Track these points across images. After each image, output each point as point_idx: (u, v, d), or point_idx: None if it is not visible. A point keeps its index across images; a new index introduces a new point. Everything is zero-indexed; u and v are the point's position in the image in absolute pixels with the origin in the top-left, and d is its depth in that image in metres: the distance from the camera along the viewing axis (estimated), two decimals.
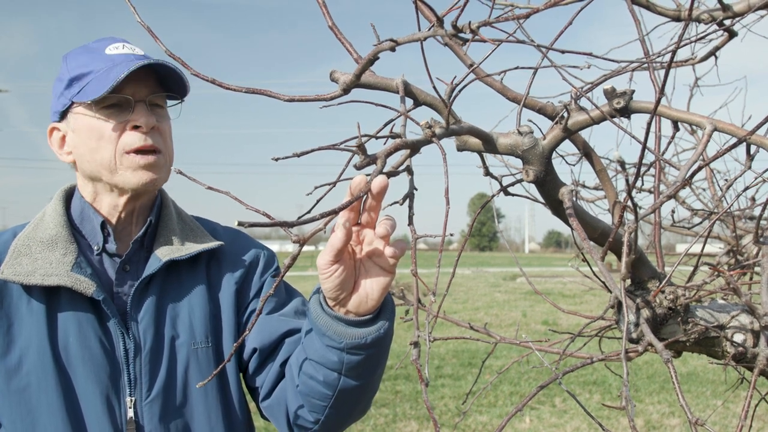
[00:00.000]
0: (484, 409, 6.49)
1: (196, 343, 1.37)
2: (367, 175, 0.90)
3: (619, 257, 0.93)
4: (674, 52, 0.76)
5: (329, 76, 0.85)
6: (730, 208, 1.60)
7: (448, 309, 13.92)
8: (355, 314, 1.12)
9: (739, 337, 1.01)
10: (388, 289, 1.10)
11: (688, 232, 1.87)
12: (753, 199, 1.70)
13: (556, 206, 0.99)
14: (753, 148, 1.51)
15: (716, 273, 0.98)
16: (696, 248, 1.33)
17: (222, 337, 1.41)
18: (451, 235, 0.83)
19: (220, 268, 1.45)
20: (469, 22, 0.87)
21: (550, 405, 6.67)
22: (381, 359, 1.22)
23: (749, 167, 1.53)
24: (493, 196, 1.18)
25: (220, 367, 0.90)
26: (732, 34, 1.16)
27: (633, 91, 0.88)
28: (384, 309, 1.15)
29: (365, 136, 0.84)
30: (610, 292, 0.96)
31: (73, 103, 1.32)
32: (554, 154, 0.96)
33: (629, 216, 0.88)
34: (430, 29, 0.73)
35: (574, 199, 0.97)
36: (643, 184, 1.80)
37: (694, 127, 1.83)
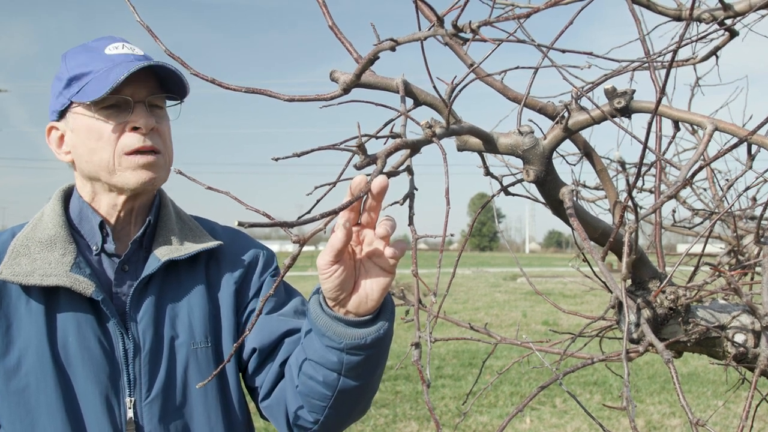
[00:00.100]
0: (485, 410, 6.49)
1: (195, 343, 1.36)
2: (368, 175, 0.90)
3: (620, 257, 0.93)
4: (675, 52, 0.76)
5: (329, 76, 0.85)
6: (731, 208, 1.60)
7: (449, 309, 13.92)
8: (354, 315, 1.12)
9: (740, 338, 1.01)
10: (388, 289, 1.10)
11: (688, 232, 1.86)
12: (754, 199, 1.70)
13: (556, 206, 0.99)
14: (754, 148, 1.51)
15: (717, 273, 0.98)
16: (697, 248, 1.33)
17: (221, 337, 1.41)
18: (452, 235, 0.83)
19: (219, 267, 1.45)
20: (470, 22, 0.86)
21: (551, 405, 6.67)
22: (381, 360, 1.22)
23: (750, 167, 1.53)
24: (494, 196, 1.17)
25: (220, 367, 0.90)
26: (733, 34, 1.16)
27: (634, 91, 0.88)
28: (384, 309, 1.15)
29: (365, 135, 0.84)
30: (611, 292, 0.95)
31: (72, 102, 1.32)
32: (555, 154, 0.96)
33: (630, 216, 0.87)
34: (430, 29, 0.73)
35: (575, 199, 0.96)
36: (643, 184, 1.79)
37: (695, 127, 1.83)
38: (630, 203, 0.84)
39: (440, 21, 0.75)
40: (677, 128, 1.17)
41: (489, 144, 0.94)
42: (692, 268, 1.21)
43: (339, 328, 1.13)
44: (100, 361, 1.28)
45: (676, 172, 1.69)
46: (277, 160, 0.87)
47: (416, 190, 0.87)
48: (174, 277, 1.39)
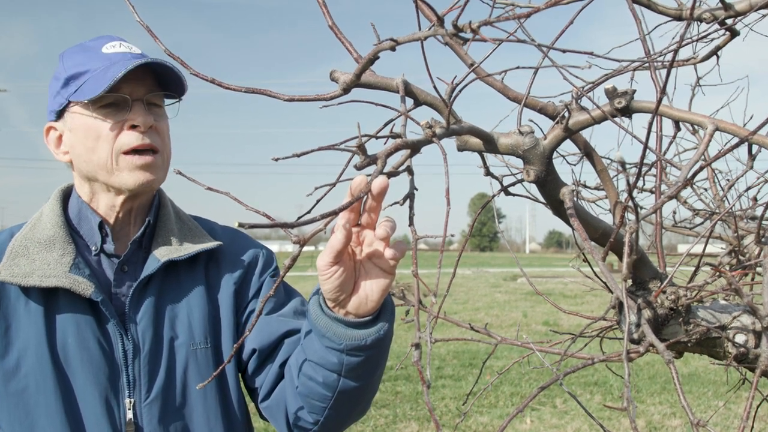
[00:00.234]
0: (485, 410, 6.49)
1: (195, 344, 1.36)
2: (368, 175, 0.90)
3: (621, 257, 0.92)
4: (676, 52, 0.76)
5: (329, 76, 0.85)
6: (731, 208, 1.60)
7: (449, 309, 13.92)
8: (354, 315, 1.11)
9: (740, 338, 1.01)
10: (388, 290, 1.09)
11: (689, 232, 1.86)
12: (755, 199, 1.70)
13: (557, 206, 0.99)
14: (755, 148, 1.51)
15: (718, 273, 0.98)
16: (697, 248, 1.33)
17: (221, 337, 1.40)
18: (452, 235, 0.83)
19: (218, 268, 1.45)
20: (470, 22, 0.86)
21: (551, 406, 6.67)
22: (381, 360, 1.21)
23: (751, 167, 1.52)
24: (494, 196, 1.17)
25: (221, 368, 0.90)
26: (734, 34, 1.16)
27: (634, 91, 0.88)
28: (384, 310, 1.14)
29: (365, 136, 0.84)
30: (612, 292, 0.95)
31: (69, 102, 1.31)
32: (555, 154, 0.96)
33: (630, 216, 0.87)
34: (430, 29, 0.73)
35: (575, 199, 0.96)
36: (644, 184, 1.79)
37: (696, 127, 1.83)
38: (630, 203, 0.84)
39: (440, 21, 0.75)
40: (678, 128, 1.17)
41: (489, 144, 0.93)
42: (693, 269, 1.21)
43: (339, 329, 1.12)
44: (100, 362, 1.28)
45: (677, 172, 1.69)
46: (277, 160, 0.87)
47: (416, 190, 0.87)
48: (173, 278, 1.39)
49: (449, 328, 10.31)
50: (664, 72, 0.81)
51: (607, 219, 1.11)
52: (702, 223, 1.82)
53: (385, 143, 0.85)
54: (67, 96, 1.31)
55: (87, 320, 1.29)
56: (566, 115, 0.92)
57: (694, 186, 1.79)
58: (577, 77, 1.06)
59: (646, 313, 0.97)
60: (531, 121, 0.95)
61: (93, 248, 1.36)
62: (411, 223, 0.84)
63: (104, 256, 1.37)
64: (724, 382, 7.43)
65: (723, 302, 1.09)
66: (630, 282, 1.03)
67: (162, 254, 1.36)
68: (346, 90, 0.83)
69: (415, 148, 0.84)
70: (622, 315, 1.01)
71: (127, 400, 1.29)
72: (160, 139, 1.34)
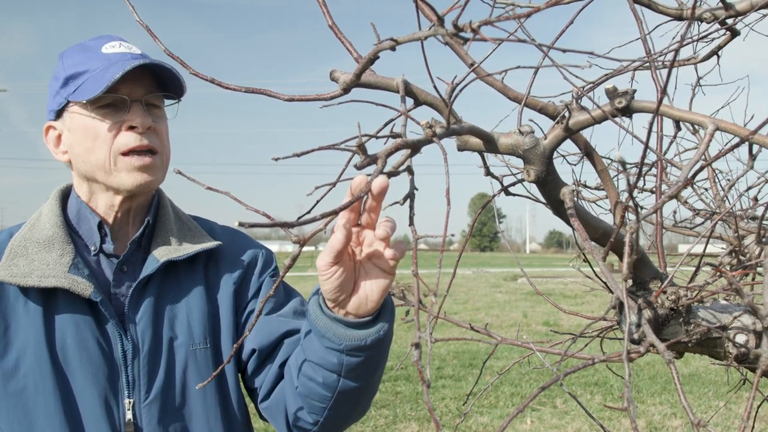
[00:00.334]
0: (485, 410, 6.49)
1: (194, 344, 1.36)
2: (368, 175, 0.90)
3: (621, 257, 0.92)
4: (676, 52, 0.75)
5: (329, 76, 0.85)
6: (732, 208, 1.60)
7: (449, 309, 13.92)
8: (354, 316, 1.11)
9: (741, 338, 1.01)
10: (387, 290, 1.09)
11: (690, 232, 1.86)
12: (755, 199, 1.69)
13: (557, 206, 0.99)
14: (755, 148, 1.51)
15: (718, 273, 0.98)
16: (698, 248, 1.33)
17: (220, 337, 1.40)
18: (452, 235, 0.83)
19: (218, 268, 1.45)
20: (470, 21, 0.86)
21: (552, 406, 6.67)
22: (380, 361, 1.21)
23: (752, 167, 1.52)
24: (494, 196, 1.17)
25: (220, 368, 0.90)
26: (734, 33, 1.15)
27: (635, 91, 0.87)
28: (384, 310, 1.14)
29: (365, 135, 0.84)
30: (612, 292, 0.95)
31: (68, 102, 1.31)
32: (555, 154, 0.96)
33: (631, 216, 0.87)
34: (430, 28, 0.73)
35: (576, 199, 0.96)
36: (644, 184, 1.79)
37: (696, 127, 1.83)
38: (631, 203, 0.84)
39: (440, 20, 0.75)
40: (678, 128, 1.17)
41: (489, 144, 0.93)
42: (693, 269, 1.21)
43: (339, 330, 1.12)
44: (99, 363, 1.28)
45: (677, 172, 1.68)
46: (277, 160, 0.86)
47: (416, 190, 0.87)
48: (173, 278, 1.39)
49: (449, 328, 10.31)
50: (664, 72, 0.81)
51: (608, 219, 1.11)
52: (702, 223, 1.82)
53: (385, 143, 0.85)
54: (66, 96, 1.31)
55: (86, 320, 1.29)
56: (566, 114, 0.92)
57: (694, 186, 1.79)
58: (577, 77, 1.06)
59: (647, 313, 0.97)
60: (531, 120, 0.95)
61: (92, 248, 1.36)
62: (411, 223, 0.84)
63: (103, 256, 1.37)
64: (724, 382, 7.42)
65: (723, 302, 1.09)
66: (630, 282, 1.03)
67: (161, 254, 1.36)
68: (346, 90, 0.83)
69: (415, 147, 0.84)
70: (623, 315, 1.01)
71: (126, 401, 1.29)
72: (158, 140, 1.34)
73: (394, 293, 1.44)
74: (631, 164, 1.66)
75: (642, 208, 1.07)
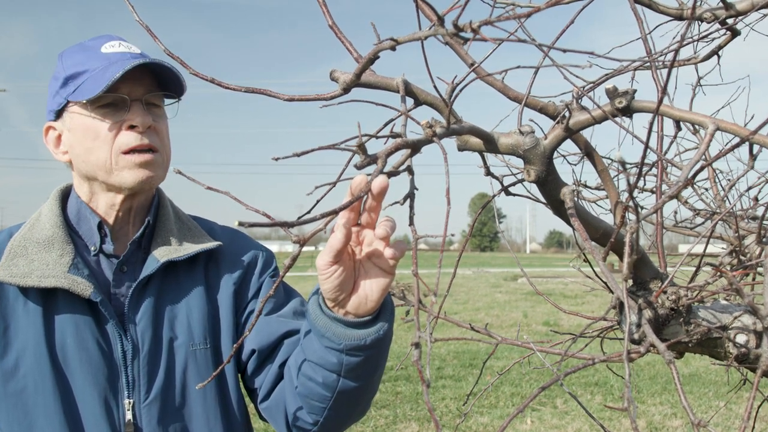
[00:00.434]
0: (485, 411, 6.49)
1: (194, 345, 1.36)
2: (368, 174, 0.90)
3: (621, 257, 0.92)
4: (676, 51, 0.75)
5: (329, 76, 0.85)
6: (732, 208, 1.60)
7: (449, 309, 13.91)
8: (354, 315, 1.11)
9: (741, 338, 1.01)
10: (387, 290, 1.09)
11: (690, 232, 1.86)
12: (756, 199, 1.69)
13: (557, 206, 0.99)
14: (756, 148, 1.51)
15: (719, 273, 0.98)
16: (698, 248, 1.33)
17: (220, 338, 1.40)
18: (452, 235, 0.83)
19: (218, 268, 1.44)
20: (470, 21, 0.86)
21: (552, 406, 6.66)
22: (380, 361, 1.21)
23: (752, 167, 1.52)
24: (494, 196, 1.17)
25: (220, 368, 0.90)
26: (735, 33, 1.15)
27: (635, 91, 0.87)
28: (383, 310, 1.14)
29: (365, 135, 0.84)
30: (612, 292, 0.95)
31: (68, 102, 1.31)
32: (556, 154, 0.96)
33: (631, 216, 0.87)
34: (430, 28, 0.72)
35: (576, 199, 0.96)
36: (645, 184, 1.79)
37: (697, 127, 1.82)
38: (631, 203, 0.84)
39: (441, 20, 0.75)
40: (679, 128, 1.17)
41: (490, 144, 0.93)
42: (694, 269, 1.20)
43: (338, 329, 1.12)
44: (99, 363, 1.28)
45: (678, 172, 1.68)
46: (277, 159, 0.86)
47: (416, 189, 0.87)
48: (173, 278, 1.39)
49: (449, 328, 10.31)
50: (664, 72, 0.81)
51: (608, 219, 1.11)
52: (703, 223, 1.82)
53: (385, 143, 0.85)
54: (66, 96, 1.31)
55: (86, 321, 1.29)
56: (567, 114, 0.92)
57: (694, 186, 1.79)
58: (577, 77, 1.06)
59: (647, 313, 0.97)
60: (531, 120, 0.95)
61: (92, 248, 1.36)
62: (411, 223, 0.84)
63: (103, 256, 1.36)
64: (725, 382, 7.42)
65: (724, 302, 1.09)
66: (631, 282, 1.03)
67: (161, 254, 1.36)
68: (346, 90, 0.83)
69: (415, 147, 0.84)
70: (623, 315, 1.01)
71: (126, 401, 1.29)
72: (159, 139, 1.34)
73: (394, 293, 1.44)
74: (631, 164, 1.66)
75: (642, 208, 1.07)
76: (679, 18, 1.13)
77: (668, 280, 0.99)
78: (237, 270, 1.45)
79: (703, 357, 1.09)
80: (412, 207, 0.85)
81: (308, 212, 0.87)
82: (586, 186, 1.79)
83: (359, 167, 0.79)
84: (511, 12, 0.90)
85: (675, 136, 1.18)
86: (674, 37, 1.33)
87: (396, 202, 0.88)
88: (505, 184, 1.15)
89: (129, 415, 1.28)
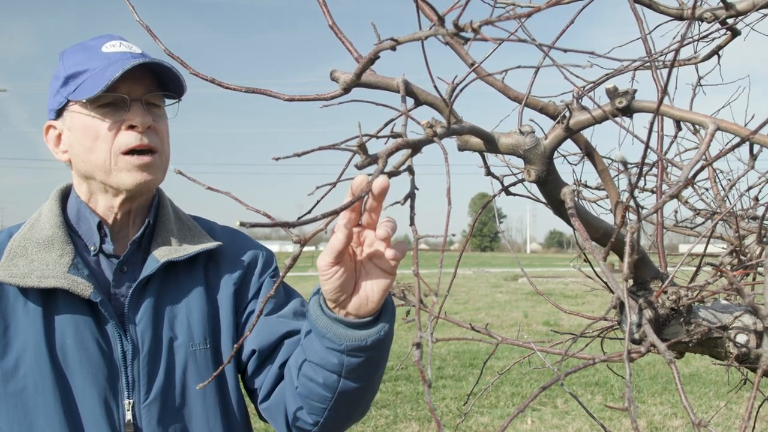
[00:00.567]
0: (486, 410, 6.49)
1: (194, 345, 1.36)
2: (369, 175, 0.90)
3: (622, 257, 0.92)
4: (677, 51, 0.75)
5: (329, 76, 0.85)
6: (733, 208, 1.60)
7: (450, 309, 13.91)
8: (355, 316, 1.11)
9: (742, 338, 1.01)
10: (388, 290, 1.09)
11: (690, 232, 1.86)
12: (756, 198, 1.69)
13: (557, 206, 0.99)
14: (756, 148, 1.51)
15: (719, 273, 0.98)
16: (699, 248, 1.33)
17: (220, 338, 1.40)
18: (453, 235, 0.83)
19: (218, 268, 1.44)
20: (471, 21, 0.86)
21: (552, 406, 6.66)
22: (381, 361, 1.21)
23: (752, 167, 1.52)
24: (495, 196, 1.17)
25: (221, 368, 0.90)
26: (735, 33, 1.15)
27: (635, 91, 0.87)
28: (384, 311, 1.14)
29: (366, 135, 0.84)
30: (612, 292, 0.95)
31: (68, 101, 1.31)
32: (556, 154, 0.96)
33: (631, 216, 0.87)
34: (431, 28, 0.72)
35: (576, 199, 0.96)
36: (645, 184, 1.79)
37: (697, 127, 1.82)
38: (632, 203, 0.84)
39: (441, 20, 0.75)
40: (679, 128, 1.17)
41: (490, 144, 0.93)
42: (694, 269, 1.20)
43: (339, 330, 1.12)
44: (99, 363, 1.28)
45: (678, 171, 1.68)
46: (277, 159, 0.86)
47: (417, 190, 0.87)
48: (173, 278, 1.39)
49: (450, 328, 10.31)
50: (665, 72, 0.81)
51: (608, 219, 1.11)
52: (703, 222, 1.82)
53: (385, 143, 0.85)
54: (66, 95, 1.31)
55: (86, 321, 1.29)
56: (567, 114, 0.92)
57: (695, 186, 1.79)
58: (578, 77, 1.06)
59: (648, 313, 0.97)
60: (532, 120, 0.95)
61: (92, 248, 1.36)
62: (412, 223, 0.84)
63: (103, 256, 1.36)
64: (725, 382, 7.42)
65: (724, 302, 1.09)
66: (631, 282, 1.03)
67: (161, 255, 1.36)
68: (346, 90, 0.83)
69: (415, 147, 0.84)
70: (623, 315, 1.01)
71: (126, 401, 1.29)
72: (158, 139, 1.34)
73: (394, 293, 1.44)
74: (631, 164, 1.66)
75: (643, 208, 1.07)
76: (680, 18, 1.13)
77: (669, 280, 0.99)
78: (237, 270, 1.45)
79: (703, 357, 1.09)
80: (412, 207, 0.85)
81: (309, 212, 0.87)
82: (586, 186, 1.79)
83: (360, 167, 0.79)
84: (512, 12, 0.90)
85: (675, 136, 1.18)
86: (674, 37, 1.33)
87: (397, 202, 0.88)
88: (506, 184, 1.15)
89: (129, 416, 1.28)
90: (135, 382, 1.30)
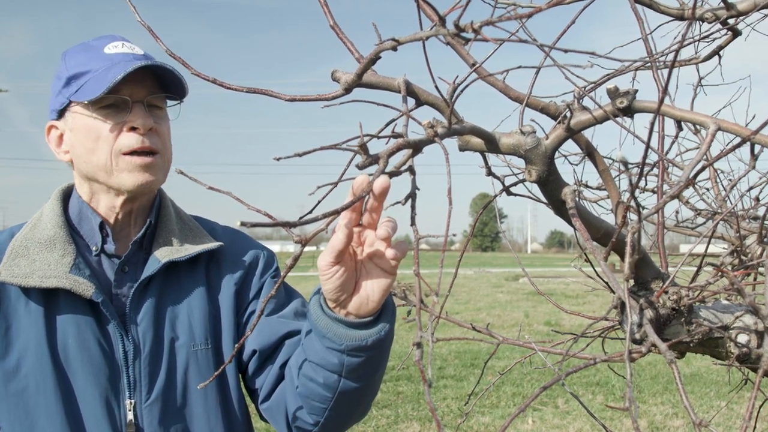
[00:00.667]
0: (487, 410, 6.48)
1: (195, 345, 1.36)
2: (370, 175, 0.90)
3: (623, 257, 0.92)
4: (677, 52, 0.75)
5: (331, 76, 0.85)
6: (733, 208, 1.60)
7: (450, 309, 13.91)
8: (355, 316, 1.11)
9: (743, 338, 1.01)
10: (389, 290, 1.09)
11: (691, 232, 1.86)
12: (757, 198, 1.69)
13: (558, 206, 0.99)
14: (757, 148, 1.51)
15: (720, 273, 0.98)
16: (700, 248, 1.33)
17: (221, 338, 1.40)
18: (454, 235, 0.83)
19: (219, 268, 1.44)
20: (472, 22, 0.86)
21: (553, 406, 6.66)
22: (381, 361, 1.21)
23: (753, 167, 1.52)
24: (496, 196, 1.17)
25: (222, 368, 0.90)
26: (736, 33, 1.15)
27: (636, 91, 0.87)
28: (385, 311, 1.14)
29: (367, 135, 0.84)
30: (613, 292, 0.95)
31: (70, 102, 1.31)
32: (557, 154, 0.96)
33: (632, 216, 0.87)
34: (432, 28, 0.73)
35: (577, 199, 0.96)
36: (646, 184, 1.79)
37: (698, 127, 1.82)
38: (632, 203, 0.84)
39: (442, 21, 0.75)
40: (680, 128, 1.17)
41: (491, 144, 0.93)
42: (695, 269, 1.21)
43: (339, 330, 1.12)
44: (100, 363, 1.28)
45: (679, 172, 1.68)
46: (278, 159, 0.86)
47: (418, 190, 0.87)
48: (174, 279, 1.39)
49: (451, 328, 10.31)
50: (666, 72, 0.81)
51: (609, 219, 1.11)
52: (704, 223, 1.82)
53: (386, 143, 0.85)
54: (68, 95, 1.31)
55: (87, 321, 1.29)
56: (568, 114, 0.92)
57: (696, 186, 1.79)
58: (578, 77, 1.06)
59: (648, 313, 0.97)
60: (533, 121, 0.95)
61: (93, 248, 1.36)
62: (413, 223, 0.84)
63: (105, 256, 1.36)
64: (726, 382, 7.41)
65: (725, 302, 1.09)
66: (632, 282, 1.03)
67: (163, 255, 1.36)
68: (347, 90, 0.83)
69: (416, 147, 0.84)
70: (624, 315, 1.01)
71: (127, 401, 1.29)
72: (160, 141, 1.34)
73: (395, 293, 1.44)
74: (632, 164, 1.66)
75: (644, 208, 1.07)
76: (680, 18, 1.13)
77: (669, 280, 0.99)
78: (238, 270, 1.45)
79: (704, 357, 1.09)
80: (413, 207, 0.85)
81: (310, 212, 0.87)
82: (587, 186, 1.79)
83: (361, 167, 0.79)
84: (513, 12, 0.91)
85: (676, 136, 1.18)
86: (675, 38, 1.33)
87: (398, 202, 0.88)
88: (507, 184, 1.15)
89: (130, 416, 1.28)
90: (136, 383, 1.30)
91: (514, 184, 1.14)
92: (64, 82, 1.32)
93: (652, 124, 0.79)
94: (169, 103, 1.40)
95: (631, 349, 0.82)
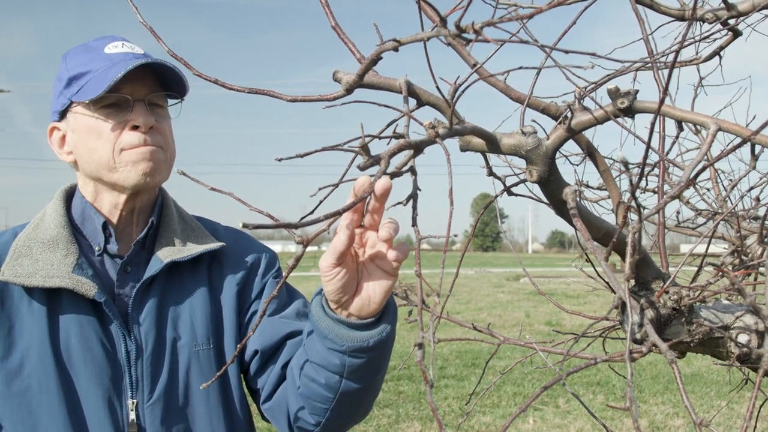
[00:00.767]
0: (488, 410, 6.48)
1: (197, 345, 1.36)
2: (371, 175, 0.90)
3: (623, 257, 0.92)
4: (678, 52, 0.76)
5: (332, 77, 0.85)
6: (734, 208, 1.60)
7: (452, 309, 13.90)
8: (357, 317, 1.11)
9: (743, 338, 1.01)
10: (390, 292, 1.09)
11: (692, 232, 1.86)
12: (757, 199, 1.70)
13: (559, 206, 0.99)
14: (757, 148, 1.51)
15: (720, 273, 0.98)
16: (700, 248, 1.33)
17: (223, 338, 1.40)
18: (455, 235, 0.83)
19: (221, 269, 1.45)
20: (473, 22, 0.86)
21: (554, 406, 6.66)
22: (383, 362, 1.21)
23: (754, 167, 1.53)
24: (497, 196, 1.17)
25: (224, 368, 0.90)
26: (736, 34, 1.16)
27: (637, 91, 0.88)
28: (386, 312, 1.14)
29: (368, 136, 0.84)
30: (614, 292, 0.95)
31: (72, 102, 1.32)
32: (558, 154, 0.96)
33: (633, 216, 0.87)
34: (433, 29, 0.73)
35: (578, 199, 0.96)
36: (647, 185, 1.79)
37: (699, 127, 1.82)
38: (633, 203, 0.84)
39: (443, 21, 0.75)
40: (680, 128, 1.17)
41: (492, 144, 0.94)
42: (696, 269, 1.21)
43: (341, 331, 1.12)
44: (103, 363, 1.28)
45: (680, 172, 1.68)
46: (280, 160, 0.87)
47: (419, 190, 0.87)
48: (176, 279, 1.39)
49: (452, 328, 10.31)
50: (666, 72, 0.81)
51: (610, 219, 1.11)
52: (705, 223, 1.82)
53: (388, 144, 0.85)
54: (70, 96, 1.31)
55: (90, 321, 1.29)
56: (569, 115, 0.92)
57: (696, 186, 1.79)
58: (579, 77, 1.06)
59: (649, 313, 0.97)
60: (534, 121, 0.95)
61: (96, 248, 1.36)
62: (414, 224, 0.84)
63: (107, 256, 1.37)
64: (726, 382, 7.41)
65: (726, 302, 1.09)
66: (633, 282, 1.03)
67: (165, 255, 1.36)
68: (348, 90, 0.83)
69: (418, 148, 0.84)
70: (625, 315, 1.01)
71: (129, 401, 1.29)
72: (162, 139, 1.34)
73: (396, 293, 1.45)
74: (633, 164, 1.67)
75: (644, 208, 1.07)
76: (681, 19, 1.13)
77: (670, 280, 0.99)
78: (240, 271, 1.45)
79: (705, 357, 1.09)
80: (415, 207, 0.85)
81: (311, 213, 0.87)
82: (588, 186, 1.79)
83: (362, 168, 0.80)
84: (514, 13, 0.91)
85: (677, 137, 1.18)
86: (676, 38, 1.33)
87: (399, 203, 0.88)
88: (508, 184, 1.15)
89: (132, 415, 1.29)
90: (139, 382, 1.30)
91: (515, 185, 1.14)
92: (65, 83, 1.32)
93: (653, 124, 0.79)
94: (170, 101, 1.40)
95: (631, 348, 0.82)
